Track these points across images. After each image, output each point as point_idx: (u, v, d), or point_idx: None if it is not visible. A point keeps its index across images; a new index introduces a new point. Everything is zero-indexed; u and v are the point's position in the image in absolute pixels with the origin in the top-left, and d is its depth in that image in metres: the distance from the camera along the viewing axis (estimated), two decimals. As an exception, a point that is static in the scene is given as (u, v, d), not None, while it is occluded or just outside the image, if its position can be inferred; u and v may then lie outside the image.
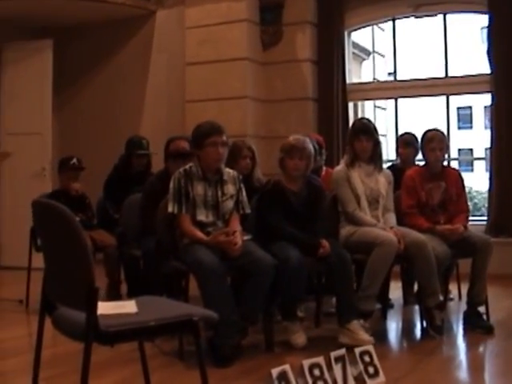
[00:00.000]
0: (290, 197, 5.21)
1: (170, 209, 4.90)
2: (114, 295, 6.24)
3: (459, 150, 31.71)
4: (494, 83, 8.55)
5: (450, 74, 9.33)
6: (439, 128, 5.90)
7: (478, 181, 22.01)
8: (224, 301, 4.55)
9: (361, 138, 5.46)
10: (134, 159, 6.75)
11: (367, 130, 5.48)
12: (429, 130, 5.79)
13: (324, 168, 6.73)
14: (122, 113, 9.89)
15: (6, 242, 9.49)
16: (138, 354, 3.40)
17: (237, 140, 5.83)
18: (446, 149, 5.79)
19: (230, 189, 5.07)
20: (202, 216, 4.93)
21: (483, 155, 25.43)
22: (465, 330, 5.52)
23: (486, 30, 8.75)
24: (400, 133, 7.57)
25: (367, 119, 5.77)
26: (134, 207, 6.03)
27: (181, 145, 6.02)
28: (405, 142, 6.84)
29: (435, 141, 5.65)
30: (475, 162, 35.56)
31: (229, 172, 5.13)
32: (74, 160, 6.74)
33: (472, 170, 29.29)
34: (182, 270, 4.83)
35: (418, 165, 6.27)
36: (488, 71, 8.67)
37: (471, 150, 34.28)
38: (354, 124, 5.79)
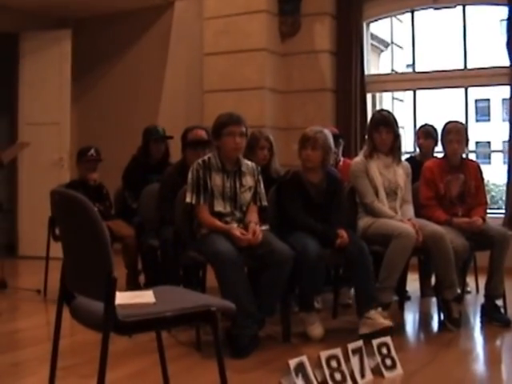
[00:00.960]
0: (308, 188, 5.20)
1: (187, 199, 4.91)
2: (133, 286, 6.25)
3: (477, 142, 31.58)
4: (513, 75, 8.50)
5: (468, 67, 9.27)
6: (457, 120, 5.87)
7: (495, 174, 21.91)
8: (242, 291, 4.56)
9: (381, 130, 5.44)
10: (151, 146, 6.73)
11: (388, 122, 5.46)
12: (449, 122, 5.76)
13: (342, 159, 6.73)
14: (140, 103, 9.90)
15: (25, 232, 9.54)
16: (155, 344, 3.41)
17: (254, 130, 5.82)
18: (466, 141, 5.74)
19: (249, 180, 5.07)
20: (219, 207, 4.94)
21: (501, 148, 25.31)
22: (482, 322, 5.50)
23: (505, 23, 8.68)
24: (418, 125, 7.54)
25: (387, 111, 5.71)
26: (152, 197, 6.04)
27: (198, 133, 6.03)
28: (425, 133, 6.83)
29: (452, 133, 5.63)
30: (493, 155, 35.35)
31: (247, 164, 5.13)
32: (92, 151, 6.75)
33: (489, 163, 29.15)
34: (200, 261, 4.83)
35: (436, 157, 6.25)
36: (507, 63, 8.61)
37: (489, 142, 34.14)
38: (374, 115, 5.74)
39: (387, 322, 4.84)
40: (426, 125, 6.97)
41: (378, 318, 4.88)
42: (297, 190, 5.17)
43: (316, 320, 5.00)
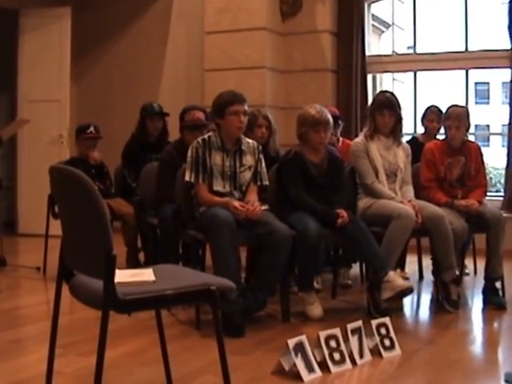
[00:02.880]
0: (310, 168, 5.19)
1: (187, 178, 4.91)
2: (133, 264, 6.26)
3: (476, 125, 31.54)
4: (514, 58, 8.47)
5: (469, 49, 9.24)
6: (459, 103, 5.86)
7: (494, 156, 21.87)
8: (232, 256, 4.57)
9: (384, 113, 5.42)
10: (147, 123, 6.70)
11: (392, 105, 5.44)
12: (455, 106, 5.73)
13: (341, 139, 6.73)
14: (140, 81, 9.86)
15: (24, 210, 9.52)
16: (154, 322, 3.41)
17: (252, 109, 5.80)
18: (468, 126, 5.70)
19: (249, 160, 5.06)
20: (218, 186, 4.94)
21: (500, 131, 25.26)
22: (484, 304, 5.50)
23: (507, 5, 8.64)
24: (418, 106, 7.51)
25: (391, 93, 5.68)
26: (152, 176, 6.04)
27: (195, 115, 6.02)
28: (433, 114, 6.80)
29: (451, 118, 5.61)
30: (492, 138, 35.30)
31: (248, 142, 5.11)
32: (91, 128, 6.73)
33: (488, 146, 29.13)
34: (199, 239, 4.84)
35: (438, 139, 6.24)
36: (508, 46, 8.58)
37: (488, 125, 34.09)
38: (377, 97, 5.69)
39: (406, 284, 4.92)
40: (433, 106, 6.94)
41: (397, 278, 4.93)
42: (298, 170, 5.16)
43: (315, 300, 5.01)
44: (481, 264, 5.97)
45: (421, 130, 7.19)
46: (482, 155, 5.80)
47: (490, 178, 21.59)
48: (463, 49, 9.25)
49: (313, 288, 5.09)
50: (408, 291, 4.91)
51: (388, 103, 5.45)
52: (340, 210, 5.02)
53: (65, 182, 2.94)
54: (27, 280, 6.43)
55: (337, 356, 3.86)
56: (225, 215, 4.60)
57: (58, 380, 3.35)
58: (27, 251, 8.22)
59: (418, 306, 5.90)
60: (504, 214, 6.08)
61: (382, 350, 4.10)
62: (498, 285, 5.51)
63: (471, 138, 6.10)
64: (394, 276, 4.90)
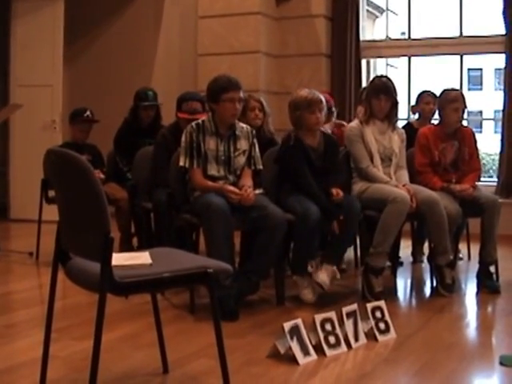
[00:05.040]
0: (310, 153, 5.17)
1: (181, 163, 4.90)
2: (127, 249, 6.23)
3: (469, 111, 31.58)
4: (508, 44, 8.48)
5: (464, 34, 9.23)
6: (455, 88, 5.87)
7: (487, 142, 21.92)
8: (225, 244, 4.57)
9: (380, 98, 5.40)
10: (141, 111, 6.68)
11: (388, 90, 5.42)
12: (450, 90, 5.72)
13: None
14: (133, 65, 9.82)
15: (17, 195, 9.48)
16: (148, 307, 3.42)
17: (244, 94, 5.79)
18: (464, 107, 5.72)
19: (243, 144, 5.05)
20: (213, 171, 4.93)
21: (492, 117, 25.31)
22: (479, 288, 5.51)
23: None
24: (412, 92, 7.51)
25: (387, 77, 5.66)
26: (146, 160, 6.03)
27: (192, 106, 5.98)
28: (429, 96, 6.78)
29: (459, 101, 5.60)
30: (484, 124, 35.39)
31: (242, 127, 5.10)
32: (88, 112, 6.72)
33: (481, 132, 29.20)
34: (193, 223, 4.83)
35: (433, 123, 6.23)
36: (503, 32, 8.58)
37: (481, 111, 34.17)
38: (374, 81, 5.65)
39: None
40: (428, 91, 6.92)
41: (322, 275, 4.99)
42: (303, 156, 5.13)
43: (309, 284, 5.01)
44: (475, 248, 5.97)
45: (414, 116, 7.16)
46: (475, 140, 5.80)
47: (484, 164, 21.67)
48: (457, 34, 9.25)
49: (306, 272, 5.08)
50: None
51: (385, 88, 5.43)
52: (335, 189, 5.01)
53: (62, 165, 2.93)
54: (20, 265, 6.41)
55: (332, 339, 3.86)
56: (219, 203, 4.59)
57: (54, 364, 3.33)
58: (20, 236, 8.20)
59: (412, 290, 5.92)
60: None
61: (377, 333, 4.11)
62: (492, 269, 5.51)
63: (464, 123, 6.10)
64: (324, 271, 4.99)
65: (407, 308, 5.25)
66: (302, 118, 5.16)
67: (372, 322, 4.13)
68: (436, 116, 6.23)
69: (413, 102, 7.22)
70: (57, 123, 9.14)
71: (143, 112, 6.66)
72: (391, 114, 5.50)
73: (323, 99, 5.20)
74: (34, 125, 9.24)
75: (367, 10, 12.10)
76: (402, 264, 6.48)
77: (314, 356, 3.73)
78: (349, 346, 3.93)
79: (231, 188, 4.74)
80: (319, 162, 5.19)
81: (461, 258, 6.72)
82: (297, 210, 4.81)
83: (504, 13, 8.51)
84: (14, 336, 4.20)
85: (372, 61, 10.68)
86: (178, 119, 5.96)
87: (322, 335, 3.83)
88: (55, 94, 9.27)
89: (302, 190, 5.03)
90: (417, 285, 6.09)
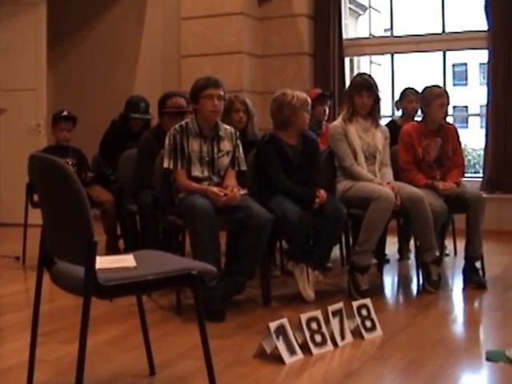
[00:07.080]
0: (287, 150, 5.20)
1: (165, 165, 4.90)
2: (113, 251, 6.23)
3: (454, 107, 31.65)
4: (491, 39, 8.51)
5: (446, 30, 9.26)
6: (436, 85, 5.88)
7: (472, 138, 21.94)
8: (211, 245, 4.57)
9: (362, 94, 5.43)
10: (131, 121, 6.68)
11: (370, 86, 5.45)
12: (433, 86, 5.74)
13: (324, 123, 6.76)
14: (117, 68, 9.82)
15: (2, 199, 9.44)
16: (134, 309, 3.42)
17: (229, 94, 5.79)
18: (448, 103, 5.76)
19: (227, 145, 5.05)
20: (197, 172, 4.93)
21: (478, 112, 25.36)
22: (465, 284, 5.53)
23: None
24: (396, 89, 7.53)
25: (368, 75, 5.71)
26: (130, 162, 6.03)
27: (178, 101, 5.98)
28: (412, 94, 6.81)
29: (444, 97, 5.63)
30: (470, 119, 35.47)
31: (226, 128, 5.11)
32: (65, 112, 6.70)
33: (467, 127, 29.24)
34: (179, 225, 4.83)
35: (416, 120, 6.25)
36: (485, 27, 8.61)
37: (466, 107, 34.23)
38: (355, 79, 5.68)
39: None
40: (410, 88, 6.96)
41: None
42: (276, 152, 5.16)
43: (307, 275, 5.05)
44: (461, 244, 6.00)
45: (398, 112, 7.20)
46: (458, 136, 5.83)
47: (469, 160, 21.72)
48: (440, 31, 9.28)
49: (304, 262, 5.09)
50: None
51: (366, 84, 5.46)
52: (318, 191, 5.02)
53: (45, 170, 2.94)
54: (6, 269, 6.38)
55: (318, 338, 3.87)
56: (204, 204, 4.59)
57: (40, 368, 3.34)
58: (6, 240, 8.16)
59: (399, 287, 5.94)
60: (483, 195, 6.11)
61: (363, 331, 4.11)
62: (478, 264, 5.54)
63: (450, 119, 6.13)
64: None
65: (394, 305, 5.27)
66: (289, 119, 5.19)
67: (358, 320, 4.14)
68: (419, 113, 6.24)
69: (396, 99, 7.24)
70: (41, 127, 9.12)
71: (133, 121, 6.66)
72: (374, 111, 5.52)
73: (308, 99, 5.25)
74: (18, 129, 9.23)
75: (350, 8, 12.13)
76: (388, 261, 6.49)
77: (300, 355, 3.74)
78: (335, 344, 3.94)
79: (216, 190, 4.73)
80: (297, 159, 5.22)
81: (447, 254, 6.74)
82: (275, 213, 4.83)
83: (486, 8, 8.54)
84: (1, 340, 4.19)
85: (355, 59, 10.72)
86: (162, 119, 5.95)
87: (308, 334, 3.84)
88: (39, 98, 9.24)
89: (277, 189, 5.06)
90: (403, 282, 6.10)
